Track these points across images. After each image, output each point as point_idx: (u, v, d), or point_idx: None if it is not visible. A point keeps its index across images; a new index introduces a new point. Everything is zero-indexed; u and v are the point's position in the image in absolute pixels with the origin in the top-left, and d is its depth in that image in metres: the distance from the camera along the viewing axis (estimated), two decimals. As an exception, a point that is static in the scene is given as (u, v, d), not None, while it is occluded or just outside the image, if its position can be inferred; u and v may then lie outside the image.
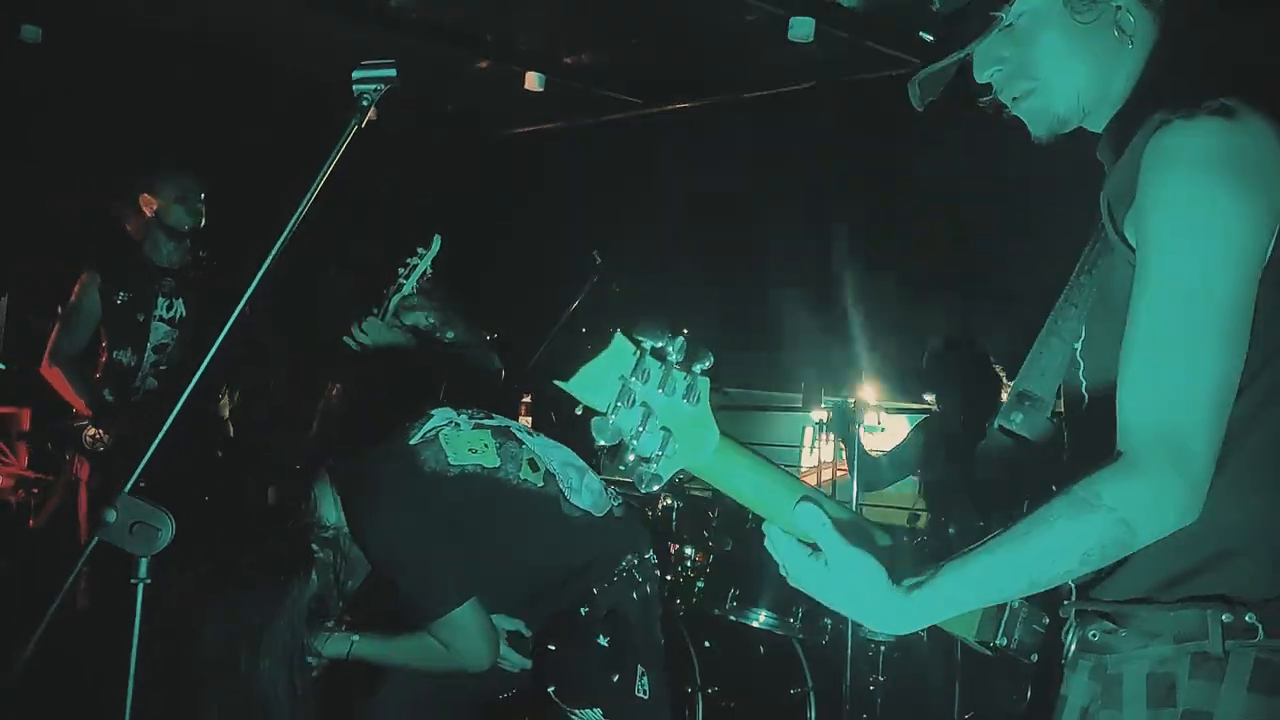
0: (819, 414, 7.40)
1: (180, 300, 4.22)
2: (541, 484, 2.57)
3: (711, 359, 1.21)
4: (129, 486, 1.64)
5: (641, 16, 5.42)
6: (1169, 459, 1.21)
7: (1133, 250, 1.31)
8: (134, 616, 1.71)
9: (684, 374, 1.19)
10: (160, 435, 1.64)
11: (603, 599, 2.44)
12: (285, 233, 2.00)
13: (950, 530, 3.44)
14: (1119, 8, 1.38)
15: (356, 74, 1.97)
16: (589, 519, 2.57)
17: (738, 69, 6.14)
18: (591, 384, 1.18)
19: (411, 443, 2.51)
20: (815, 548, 1.26)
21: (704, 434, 1.22)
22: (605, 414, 1.17)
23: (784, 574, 1.31)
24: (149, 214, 4.20)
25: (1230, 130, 1.24)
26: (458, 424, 2.58)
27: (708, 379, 1.21)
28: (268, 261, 2.01)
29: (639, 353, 1.18)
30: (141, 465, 1.63)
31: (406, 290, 3.17)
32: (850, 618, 1.27)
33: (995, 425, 1.47)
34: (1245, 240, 1.23)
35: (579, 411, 1.22)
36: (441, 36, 5.89)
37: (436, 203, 6.77)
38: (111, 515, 1.66)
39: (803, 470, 8.22)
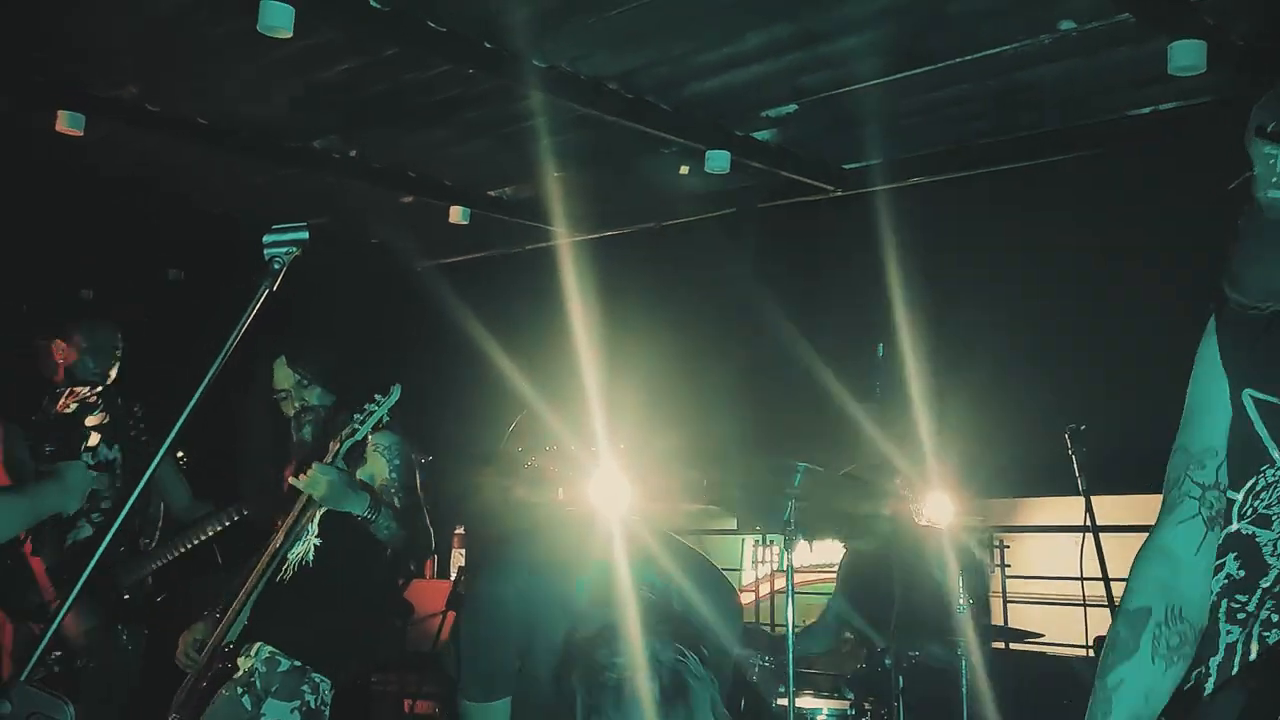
0: (757, 530, 7.42)
1: (112, 445, 4.04)
2: None
3: None
4: (25, 675, 1.57)
5: (563, 152, 5.57)
6: None
7: None
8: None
9: None
10: (61, 613, 1.59)
11: None
12: (199, 389, 1.99)
13: (886, 661, 3.44)
14: None
15: (268, 238, 1.99)
16: None
17: (658, 199, 6.32)
18: None
19: None
20: None
21: None
22: None
23: None
24: (61, 361, 4.10)
25: None
26: None
27: None
28: (180, 422, 1.99)
29: None
30: (41, 647, 1.56)
31: (360, 436, 3.16)
32: None
33: None
34: None
35: None
36: (367, 175, 5.99)
37: (364, 336, 6.76)
38: (6, 707, 1.58)
39: (743, 586, 8.19)
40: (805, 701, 3.67)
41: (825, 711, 3.61)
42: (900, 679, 3.39)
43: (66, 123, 5.02)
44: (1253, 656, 1.41)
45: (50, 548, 3.85)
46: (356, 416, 3.16)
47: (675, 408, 6.39)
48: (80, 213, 6.29)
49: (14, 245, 5.81)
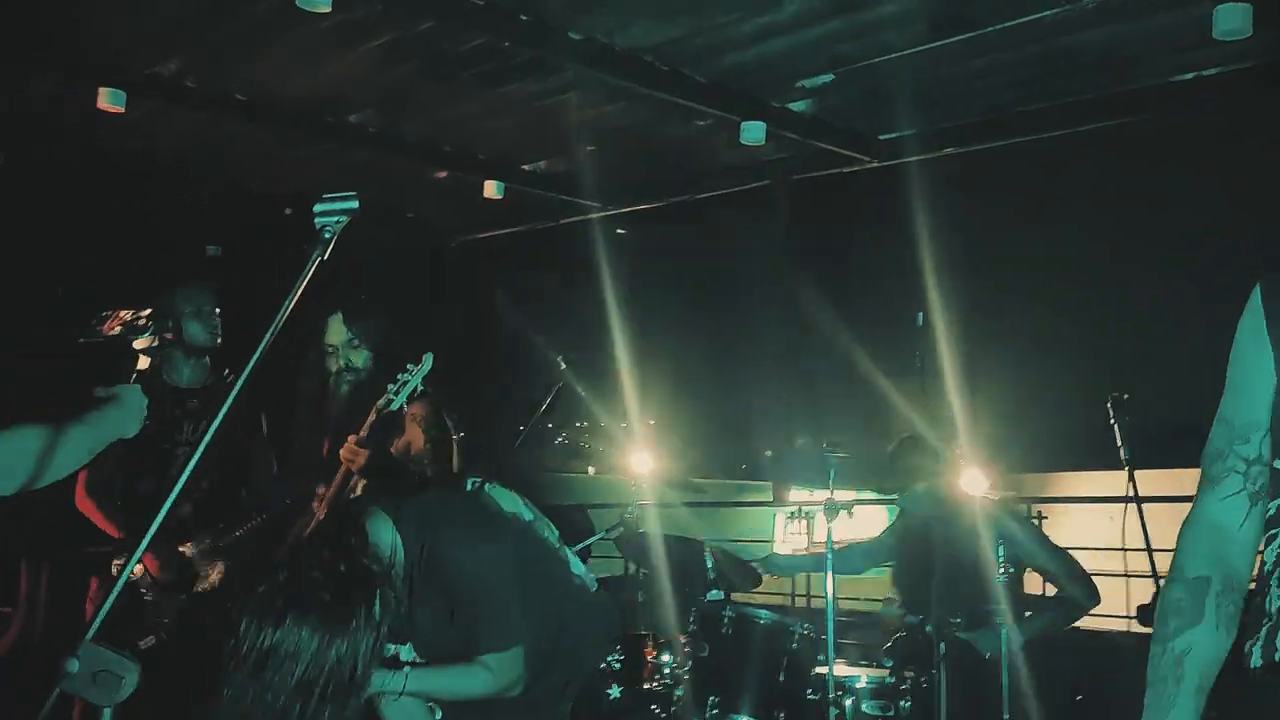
0: (791, 503, 7.44)
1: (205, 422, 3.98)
2: (557, 545, 2.75)
3: None
4: (90, 634, 1.60)
5: (598, 125, 5.56)
6: None
7: None
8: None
9: None
10: (123, 580, 1.63)
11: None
12: (252, 362, 2.01)
13: (927, 628, 3.46)
14: None
15: (318, 207, 2.00)
16: (585, 590, 2.76)
17: (692, 171, 6.30)
18: None
19: (469, 490, 2.71)
20: None
21: None
22: None
23: None
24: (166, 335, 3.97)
25: None
26: (493, 483, 2.75)
27: None
28: (232, 395, 2.01)
29: None
30: (105, 609, 1.60)
31: (395, 406, 3.20)
32: None
33: None
34: None
35: None
36: (402, 149, 6.01)
37: (402, 308, 6.81)
38: (74, 665, 1.60)
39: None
40: (844, 670, 3.69)
41: (864, 680, 3.63)
42: (941, 647, 3.40)
43: (108, 99, 5.07)
44: None
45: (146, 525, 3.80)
46: (391, 387, 3.21)
47: (709, 380, 6.41)
48: (119, 190, 6.36)
49: (56, 226, 5.89)
